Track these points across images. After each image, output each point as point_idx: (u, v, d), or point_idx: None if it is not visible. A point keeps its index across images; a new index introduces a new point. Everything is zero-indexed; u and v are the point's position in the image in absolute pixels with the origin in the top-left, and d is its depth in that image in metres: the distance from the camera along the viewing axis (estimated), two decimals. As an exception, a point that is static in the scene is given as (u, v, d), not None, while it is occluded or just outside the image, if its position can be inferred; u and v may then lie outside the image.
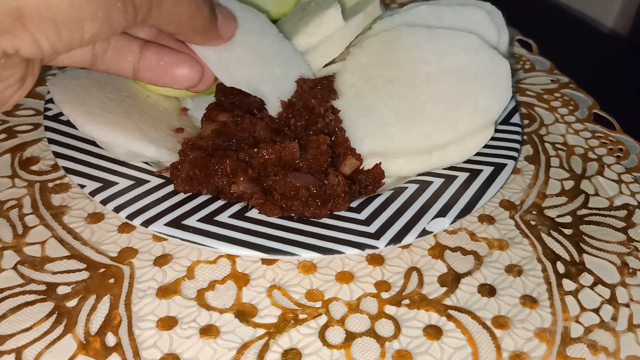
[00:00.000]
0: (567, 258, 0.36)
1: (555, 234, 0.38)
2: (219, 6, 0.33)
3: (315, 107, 0.39)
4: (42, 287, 0.32)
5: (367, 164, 0.39)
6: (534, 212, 0.39)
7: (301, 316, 0.31)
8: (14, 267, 0.33)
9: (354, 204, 0.36)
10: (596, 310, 0.33)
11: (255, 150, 0.35)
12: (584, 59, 0.61)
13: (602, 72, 0.60)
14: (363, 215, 0.35)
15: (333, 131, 0.39)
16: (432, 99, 0.39)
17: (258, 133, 0.37)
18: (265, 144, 0.36)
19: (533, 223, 0.39)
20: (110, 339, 0.29)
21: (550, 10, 0.72)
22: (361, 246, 0.32)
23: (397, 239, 0.33)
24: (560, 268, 0.35)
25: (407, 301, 0.33)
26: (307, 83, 0.40)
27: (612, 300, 0.34)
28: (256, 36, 0.37)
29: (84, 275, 0.33)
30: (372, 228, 0.34)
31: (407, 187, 0.37)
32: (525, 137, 0.47)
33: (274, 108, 0.38)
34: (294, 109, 0.39)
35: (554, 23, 0.68)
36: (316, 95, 0.39)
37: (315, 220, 0.34)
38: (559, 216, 0.39)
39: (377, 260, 0.35)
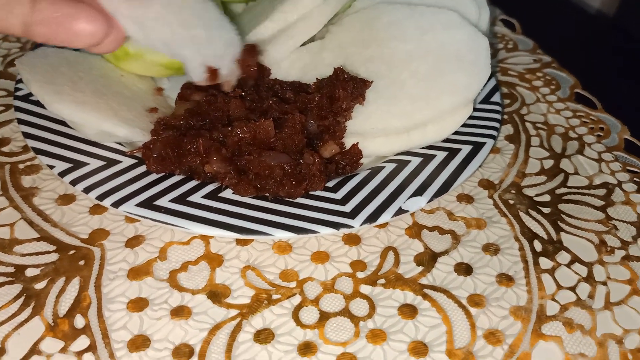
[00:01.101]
0: (545, 236, 0.36)
1: (533, 212, 0.38)
2: None
3: (341, 99, 0.38)
4: (11, 270, 0.31)
5: (345, 144, 0.38)
6: (513, 191, 0.39)
7: (275, 296, 0.31)
8: (-18, 250, 0.32)
9: (330, 184, 0.35)
10: (573, 289, 0.33)
11: (230, 129, 0.35)
12: (569, 39, 0.61)
13: (586, 52, 0.59)
14: (339, 194, 0.34)
15: (334, 122, 0.38)
16: (412, 77, 0.39)
17: (232, 111, 0.36)
18: (239, 122, 0.35)
19: (511, 202, 0.38)
20: (79, 321, 0.29)
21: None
22: (336, 225, 0.32)
23: (372, 218, 0.33)
24: (538, 246, 0.35)
25: (382, 281, 0.32)
26: (345, 74, 0.39)
27: (589, 279, 0.33)
28: None
29: (54, 257, 0.32)
30: (348, 207, 0.33)
31: (384, 167, 0.37)
32: (506, 117, 0.46)
33: (197, 74, 0.34)
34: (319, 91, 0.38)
35: (541, 4, 0.67)
36: (347, 89, 0.38)
37: (290, 200, 0.34)
38: (537, 195, 0.39)
39: (353, 240, 0.35)
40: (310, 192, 0.34)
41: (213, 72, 0.34)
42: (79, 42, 0.28)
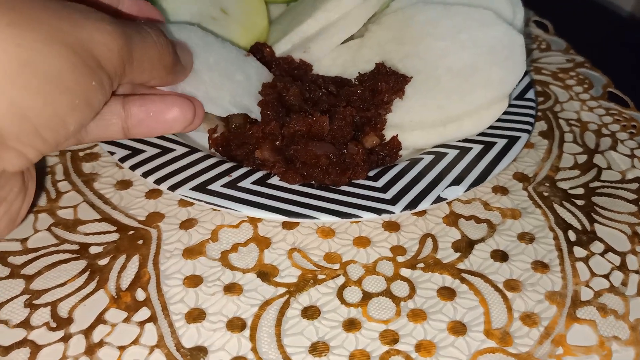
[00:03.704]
0: (579, 227, 0.37)
1: (567, 204, 0.39)
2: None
3: (383, 91, 0.39)
4: (75, 247, 0.34)
5: (385, 136, 0.40)
6: (547, 184, 0.40)
7: (320, 276, 0.33)
8: (48, 229, 0.35)
9: (371, 173, 0.37)
10: (606, 276, 0.34)
11: (288, 120, 0.37)
12: (601, 41, 0.62)
13: (619, 52, 0.60)
14: (380, 183, 0.36)
15: (376, 114, 0.40)
16: (447, 72, 0.40)
17: (289, 98, 0.38)
18: (297, 115, 0.37)
19: (546, 194, 0.40)
20: (140, 294, 0.31)
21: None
22: (378, 211, 0.34)
23: (412, 204, 0.34)
24: (572, 236, 0.36)
25: (421, 265, 0.34)
26: (386, 68, 0.41)
27: (623, 267, 0.35)
28: (206, 53, 0.36)
29: (114, 236, 0.34)
30: (389, 195, 0.35)
31: (422, 158, 0.39)
32: (539, 114, 0.48)
33: (258, 114, 0.38)
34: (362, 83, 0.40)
35: (573, 6, 0.68)
36: (389, 82, 0.40)
37: (334, 187, 0.36)
38: (571, 188, 0.40)
39: (393, 227, 0.36)
40: (353, 181, 0.36)
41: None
42: (175, 129, 0.31)
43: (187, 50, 0.33)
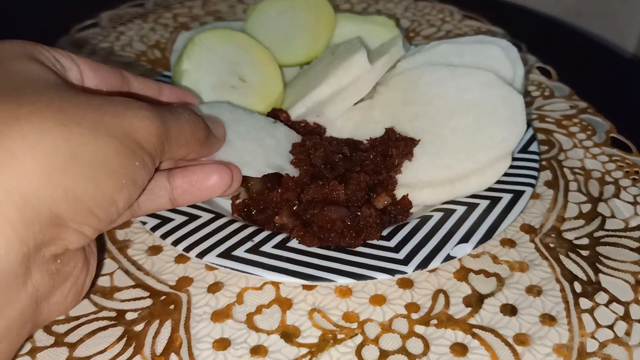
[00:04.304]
0: (584, 278, 0.39)
1: (573, 255, 0.41)
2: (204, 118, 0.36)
3: (393, 156, 0.42)
4: (113, 314, 0.36)
5: (396, 195, 0.43)
6: (553, 235, 0.42)
7: (339, 336, 0.35)
8: (88, 297, 0.38)
9: (384, 232, 0.40)
10: (611, 327, 0.36)
11: (306, 190, 0.40)
12: (604, 84, 0.64)
13: (622, 95, 0.62)
14: (392, 242, 0.39)
15: (387, 177, 0.42)
16: (453, 132, 0.43)
17: (315, 160, 0.42)
18: (315, 185, 0.40)
19: (552, 245, 0.42)
20: (174, 359, 0.34)
21: (571, 37, 0.75)
22: (391, 272, 0.36)
23: (424, 264, 0.37)
24: (578, 288, 0.38)
25: (435, 321, 0.36)
26: (396, 134, 0.44)
27: (626, 317, 0.36)
28: (237, 124, 0.40)
29: (148, 302, 0.37)
30: (401, 255, 0.37)
31: (432, 216, 0.41)
32: (544, 163, 0.50)
33: (291, 171, 0.41)
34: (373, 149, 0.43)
35: (577, 49, 0.71)
36: (398, 148, 0.43)
37: (350, 249, 0.38)
38: (576, 238, 0.42)
39: (406, 283, 0.39)
40: (367, 241, 0.39)
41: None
42: (216, 193, 0.35)
43: (218, 123, 0.37)
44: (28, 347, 0.34)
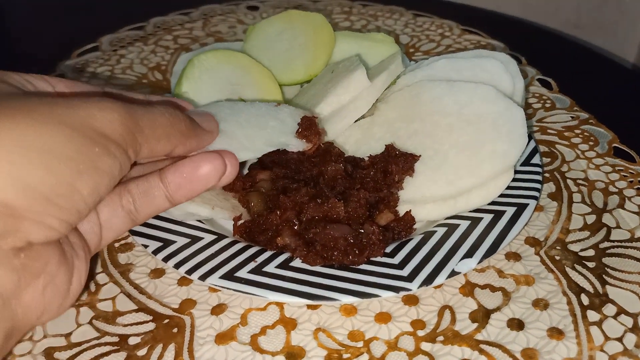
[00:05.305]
0: (591, 290, 0.39)
1: (579, 267, 0.40)
2: (189, 111, 0.37)
3: (394, 173, 0.42)
4: (115, 339, 0.36)
5: (399, 211, 0.42)
6: (558, 248, 0.42)
7: (345, 355, 0.35)
8: (90, 322, 0.37)
9: (387, 249, 0.39)
10: (619, 339, 0.35)
11: (306, 208, 0.40)
12: (605, 95, 0.64)
13: (623, 106, 0.62)
14: (396, 259, 0.38)
15: (388, 194, 0.42)
16: (454, 147, 0.43)
17: (327, 173, 0.42)
18: (314, 204, 0.40)
19: (557, 258, 0.41)
20: (178, 383, 0.33)
21: (571, 49, 0.75)
22: (396, 289, 0.36)
23: (428, 280, 0.36)
24: (585, 300, 0.38)
25: (441, 338, 0.36)
26: (395, 150, 0.44)
27: (635, 329, 0.36)
28: (236, 115, 0.40)
29: (151, 326, 0.37)
30: (405, 271, 0.37)
31: (436, 231, 0.41)
32: (547, 175, 0.50)
33: (296, 145, 0.41)
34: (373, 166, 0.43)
35: (577, 61, 0.71)
36: (398, 164, 0.43)
37: (353, 266, 0.38)
38: (582, 250, 0.42)
39: (412, 300, 0.38)
40: (371, 259, 0.38)
41: (311, 127, 0.42)
42: (212, 181, 0.34)
43: (208, 116, 0.37)
44: (31, 374, 0.34)
